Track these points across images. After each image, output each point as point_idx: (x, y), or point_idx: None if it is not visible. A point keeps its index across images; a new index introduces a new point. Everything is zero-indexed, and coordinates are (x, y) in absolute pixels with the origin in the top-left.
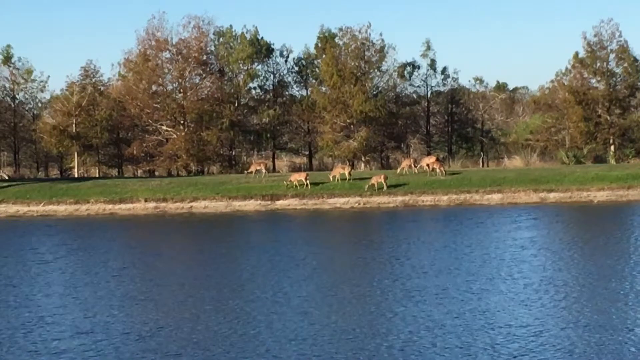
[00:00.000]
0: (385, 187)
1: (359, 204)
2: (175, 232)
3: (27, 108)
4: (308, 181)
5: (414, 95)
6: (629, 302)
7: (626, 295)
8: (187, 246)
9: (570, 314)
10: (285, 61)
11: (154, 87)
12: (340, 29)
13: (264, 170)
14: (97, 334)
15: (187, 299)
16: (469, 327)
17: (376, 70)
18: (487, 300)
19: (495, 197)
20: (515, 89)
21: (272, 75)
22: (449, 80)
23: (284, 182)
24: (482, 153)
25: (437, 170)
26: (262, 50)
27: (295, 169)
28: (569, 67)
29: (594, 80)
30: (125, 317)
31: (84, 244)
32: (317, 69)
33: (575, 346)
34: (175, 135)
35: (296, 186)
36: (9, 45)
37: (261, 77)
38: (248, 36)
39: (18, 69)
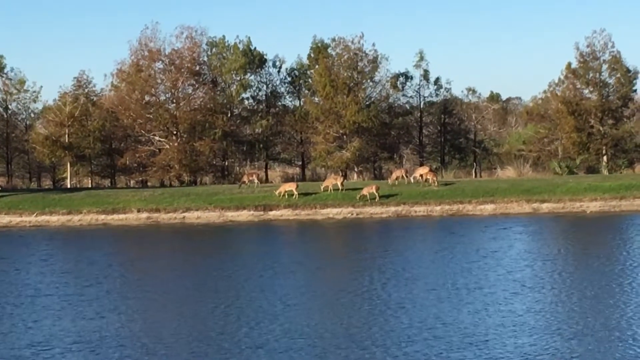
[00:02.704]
0: (377, 198)
1: (352, 214)
2: (160, 242)
3: (19, 118)
4: (297, 191)
5: (407, 106)
6: (599, 310)
7: (597, 304)
8: (164, 256)
9: (536, 322)
10: (278, 71)
11: (146, 98)
12: (333, 40)
13: (256, 181)
14: (48, 343)
15: (148, 307)
16: (432, 336)
17: (369, 80)
18: (452, 309)
19: (488, 208)
20: (508, 100)
21: (264, 86)
22: (442, 90)
23: (275, 192)
24: (474, 163)
25: (430, 180)
26: (254, 60)
27: (288, 179)
28: (562, 77)
29: (586, 91)
30: (78, 327)
31: (59, 254)
32: (309, 80)
33: (529, 353)
34: (168, 146)
35: (285, 196)
36: (1, 56)
37: (254, 88)
38: (241, 46)
39: (11, 79)
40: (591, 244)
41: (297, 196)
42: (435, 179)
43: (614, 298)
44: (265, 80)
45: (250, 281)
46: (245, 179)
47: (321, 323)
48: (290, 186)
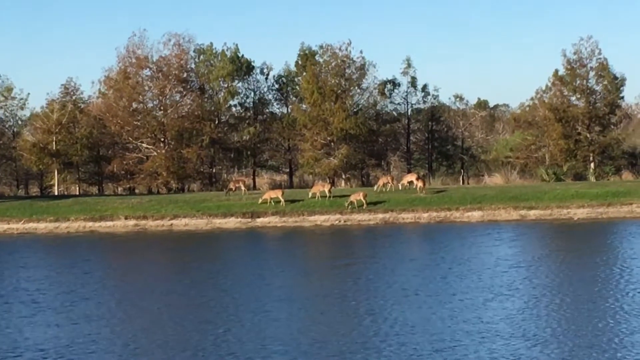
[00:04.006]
0: (365, 205)
1: (340, 221)
2: (144, 249)
3: (7, 125)
4: (283, 198)
5: (395, 113)
6: (574, 317)
7: (572, 311)
8: (147, 263)
9: (510, 329)
10: (266, 79)
11: (134, 105)
12: (321, 47)
13: (243, 188)
14: (16, 351)
15: (123, 314)
16: (403, 342)
17: (356, 87)
18: (425, 315)
19: (476, 215)
20: (496, 107)
21: (252, 93)
22: (430, 97)
23: (260, 199)
24: (462, 170)
25: (419, 187)
26: (242, 67)
27: (276, 186)
28: (549, 84)
29: (573, 98)
30: (49, 334)
31: (42, 261)
32: (297, 87)
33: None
34: (155, 153)
35: (272, 203)
36: None
37: (241, 95)
38: (228, 54)
39: None
40: (572, 251)
41: (283, 203)
42: (423, 186)
43: (590, 305)
44: (252, 87)
45: (230, 288)
46: (232, 186)
47: (293, 329)
48: (276, 193)
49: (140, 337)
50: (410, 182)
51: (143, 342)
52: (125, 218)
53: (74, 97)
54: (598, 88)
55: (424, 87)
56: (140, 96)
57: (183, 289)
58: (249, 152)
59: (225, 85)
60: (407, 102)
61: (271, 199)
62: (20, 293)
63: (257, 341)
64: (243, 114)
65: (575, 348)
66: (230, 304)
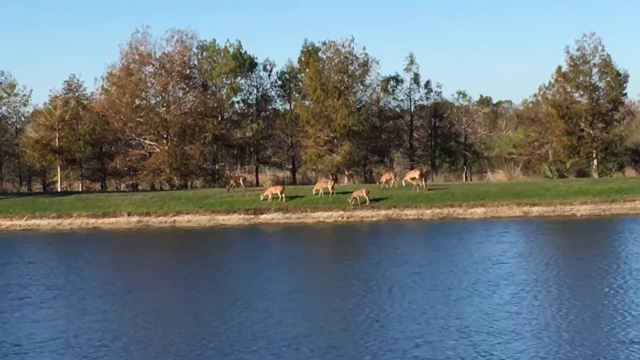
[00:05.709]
0: (367, 201)
1: (343, 217)
2: (143, 245)
3: (10, 122)
4: (283, 194)
5: (397, 109)
6: (559, 312)
7: (559, 305)
8: (143, 259)
9: (491, 324)
10: (269, 75)
11: (137, 101)
12: (324, 43)
13: (242, 184)
14: None
15: (102, 311)
16: (384, 336)
17: (359, 84)
18: (406, 310)
19: (479, 211)
20: (499, 103)
21: (255, 89)
22: (432, 94)
23: (261, 196)
24: (465, 167)
25: (415, 184)
26: (245, 64)
27: (279, 183)
28: (552, 81)
29: (577, 95)
30: (25, 331)
31: (38, 258)
32: (300, 83)
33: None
34: (158, 149)
35: (270, 199)
36: None
37: (244, 91)
38: (231, 50)
39: (1, 83)
40: (565, 248)
41: (283, 199)
42: (421, 183)
43: (573, 301)
44: (255, 83)
45: (222, 283)
46: (233, 182)
47: (279, 323)
48: (276, 189)
49: (123, 334)
50: (413, 179)
51: (125, 339)
52: (128, 214)
53: (76, 94)
54: (601, 85)
55: (427, 83)
56: (143, 93)
57: (175, 285)
58: (251, 149)
59: (228, 82)
60: (410, 99)
61: (272, 194)
62: (12, 288)
63: (242, 336)
64: (246, 111)
65: (553, 344)
66: (219, 299)
